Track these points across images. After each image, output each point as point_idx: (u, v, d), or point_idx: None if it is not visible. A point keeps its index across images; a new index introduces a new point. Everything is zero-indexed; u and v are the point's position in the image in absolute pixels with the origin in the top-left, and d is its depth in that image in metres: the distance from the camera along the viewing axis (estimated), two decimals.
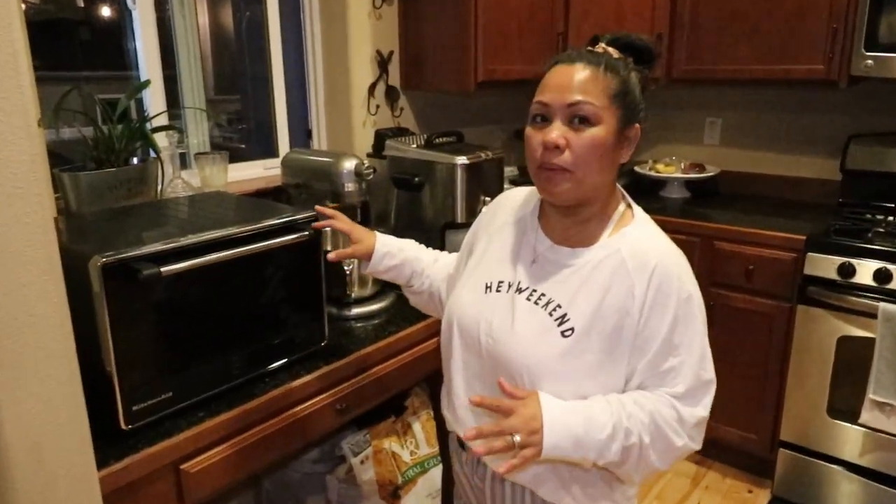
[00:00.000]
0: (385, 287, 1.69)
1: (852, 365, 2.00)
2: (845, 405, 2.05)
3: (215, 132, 2.57)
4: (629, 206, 1.02)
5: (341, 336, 1.48)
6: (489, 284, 1.04)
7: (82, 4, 1.78)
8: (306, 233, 1.23)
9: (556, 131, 0.90)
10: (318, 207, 1.25)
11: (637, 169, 2.76)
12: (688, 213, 2.43)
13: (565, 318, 0.94)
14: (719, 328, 2.29)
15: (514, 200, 1.13)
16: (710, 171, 2.68)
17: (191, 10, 1.93)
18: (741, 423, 2.31)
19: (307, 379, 1.29)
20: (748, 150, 2.75)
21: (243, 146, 2.70)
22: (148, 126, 1.58)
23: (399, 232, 2.02)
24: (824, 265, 2.02)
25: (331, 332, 1.42)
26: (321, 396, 1.32)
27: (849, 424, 2.05)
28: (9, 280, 0.79)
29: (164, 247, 1.06)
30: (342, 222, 1.22)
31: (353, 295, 1.62)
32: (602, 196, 0.97)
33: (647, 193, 2.74)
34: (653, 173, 2.73)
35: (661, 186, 2.77)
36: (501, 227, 1.10)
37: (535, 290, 0.98)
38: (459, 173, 1.80)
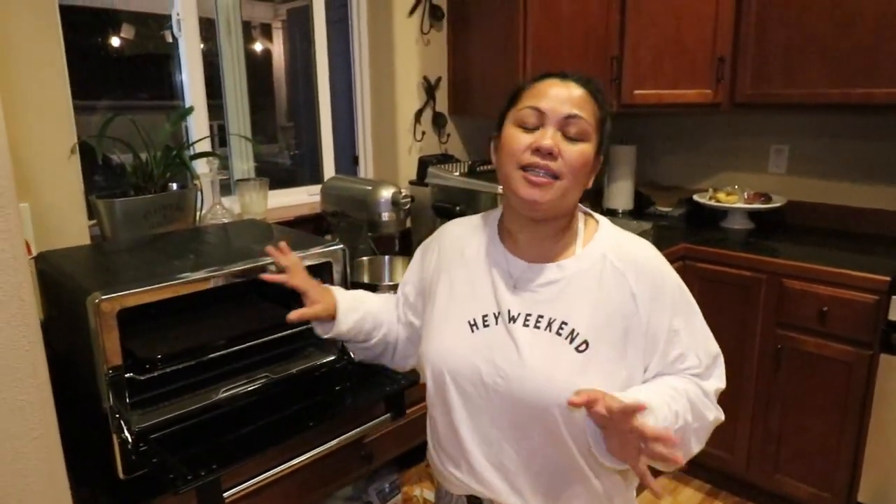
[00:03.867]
0: None
1: None
2: None
3: (285, 157, 2.54)
4: (589, 215, 0.98)
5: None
6: (473, 322, 0.91)
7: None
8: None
9: (551, 139, 0.85)
10: (268, 249, 1.03)
11: (696, 198, 2.49)
12: (753, 247, 2.15)
13: (575, 334, 0.86)
14: (787, 373, 1.99)
15: (456, 234, 1.02)
16: (777, 202, 2.39)
17: (238, 38, 1.85)
18: (813, 479, 1.99)
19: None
20: (817, 179, 2.43)
21: (296, 171, 2.65)
22: (190, 152, 1.50)
23: None
24: None
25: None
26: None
27: None
28: None
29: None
30: (297, 279, 1.02)
31: None
32: (572, 211, 0.95)
33: (707, 223, 2.47)
34: (714, 203, 2.46)
35: (722, 217, 2.49)
36: (456, 263, 0.98)
37: (530, 315, 0.89)
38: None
